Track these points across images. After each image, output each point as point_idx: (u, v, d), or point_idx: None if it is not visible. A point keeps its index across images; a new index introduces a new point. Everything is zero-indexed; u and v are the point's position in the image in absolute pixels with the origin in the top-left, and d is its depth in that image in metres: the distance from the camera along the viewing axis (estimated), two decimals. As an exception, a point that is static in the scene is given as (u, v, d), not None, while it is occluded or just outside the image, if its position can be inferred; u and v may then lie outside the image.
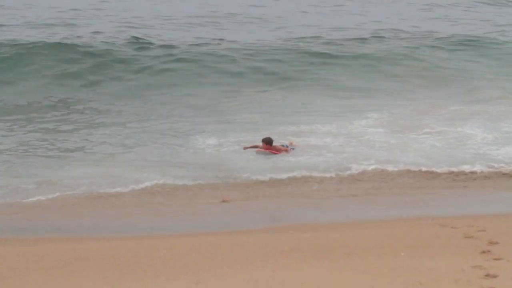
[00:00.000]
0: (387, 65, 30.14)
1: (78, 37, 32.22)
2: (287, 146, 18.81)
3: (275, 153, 18.47)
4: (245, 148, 18.82)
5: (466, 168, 17.48)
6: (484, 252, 10.29)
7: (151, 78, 27.66)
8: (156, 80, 27.47)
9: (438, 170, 17.34)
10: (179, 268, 9.83)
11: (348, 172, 17.10)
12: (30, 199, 15.16)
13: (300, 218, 13.47)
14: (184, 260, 10.13)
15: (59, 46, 29.88)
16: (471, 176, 17.05)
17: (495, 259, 9.97)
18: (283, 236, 11.68)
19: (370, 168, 17.30)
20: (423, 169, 17.38)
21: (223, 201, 14.84)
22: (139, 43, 31.30)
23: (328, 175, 16.92)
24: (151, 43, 31.42)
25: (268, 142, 18.65)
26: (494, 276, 9.19)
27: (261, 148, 18.63)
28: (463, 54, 32.62)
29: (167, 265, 9.97)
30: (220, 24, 38.18)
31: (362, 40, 34.03)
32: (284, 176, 16.74)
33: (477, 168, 17.50)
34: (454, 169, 17.47)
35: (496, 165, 17.77)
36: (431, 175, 17.10)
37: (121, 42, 31.25)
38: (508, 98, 25.62)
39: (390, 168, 17.38)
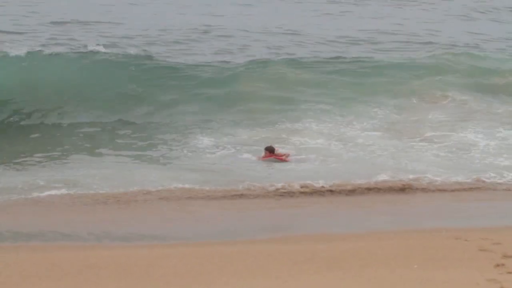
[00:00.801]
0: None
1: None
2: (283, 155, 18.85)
3: (280, 160, 18.58)
4: (260, 158, 18.86)
5: (478, 179, 17.39)
6: (498, 265, 10.24)
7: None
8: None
9: (449, 181, 17.25)
10: (191, 277, 9.81)
11: (359, 182, 17.02)
12: (41, 194, 15.20)
13: (312, 229, 13.45)
14: (196, 270, 10.11)
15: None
16: (485, 188, 16.99)
17: (509, 272, 9.92)
18: (296, 246, 11.65)
19: (379, 178, 17.20)
20: (433, 180, 17.27)
21: (237, 211, 14.85)
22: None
23: (338, 185, 16.85)
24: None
25: (271, 150, 18.83)
26: (508, 290, 9.15)
27: (264, 156, 18.75)
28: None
29: (178, 274, 9.96)
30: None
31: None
32: (296, 185, 16.67)
33: (490, 179, 17.41)
34: (466, 179, 17.37)
35: (507, 175, 17.68)
36: (442, 186, 17.01)
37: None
38: None
39: (399, 178, 17.28)
